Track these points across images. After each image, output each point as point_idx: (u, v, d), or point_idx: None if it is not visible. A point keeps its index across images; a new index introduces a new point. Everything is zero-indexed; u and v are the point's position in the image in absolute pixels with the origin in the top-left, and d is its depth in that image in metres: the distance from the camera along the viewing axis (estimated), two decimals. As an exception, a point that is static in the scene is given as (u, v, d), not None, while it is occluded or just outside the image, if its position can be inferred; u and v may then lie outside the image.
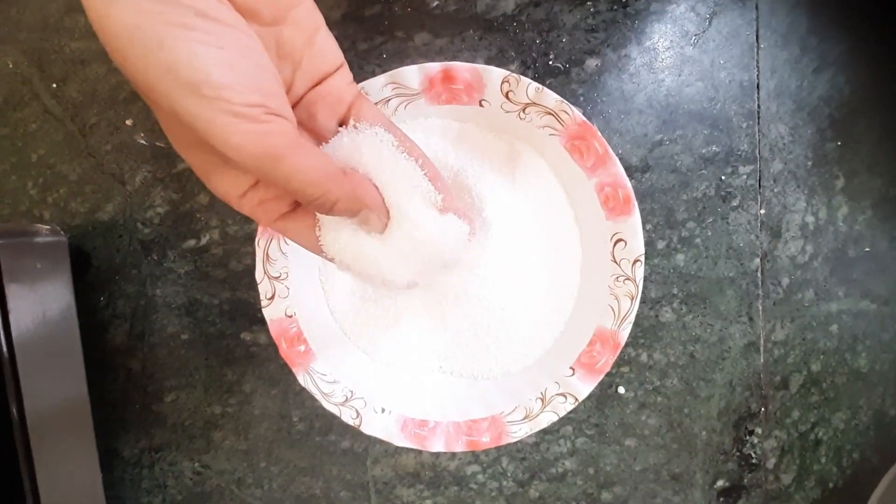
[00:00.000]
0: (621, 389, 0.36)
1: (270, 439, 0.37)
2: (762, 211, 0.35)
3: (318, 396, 0.31)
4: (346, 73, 0.24)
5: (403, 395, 0.33)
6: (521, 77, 0.29)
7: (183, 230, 0.36)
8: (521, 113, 0.30)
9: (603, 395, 0.36)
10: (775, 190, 0.35)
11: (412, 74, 0.30)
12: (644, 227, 0.32)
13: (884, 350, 0.37)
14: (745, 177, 0.35)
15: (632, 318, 0.30)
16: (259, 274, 0.31)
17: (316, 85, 0.24)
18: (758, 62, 0.35)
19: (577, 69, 0.34)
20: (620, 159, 0.30)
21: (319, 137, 0.24)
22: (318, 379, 0.32)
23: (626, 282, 0.30)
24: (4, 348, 0.28)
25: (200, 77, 0.18)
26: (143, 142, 0.35)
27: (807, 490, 0.37)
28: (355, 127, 0.24)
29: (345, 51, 0.24)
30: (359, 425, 0.31)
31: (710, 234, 0.35)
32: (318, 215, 0.24)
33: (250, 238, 0.35)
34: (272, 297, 0.31)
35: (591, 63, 0.34)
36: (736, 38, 0.35)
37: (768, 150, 0.35)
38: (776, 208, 0.35)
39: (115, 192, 0.36)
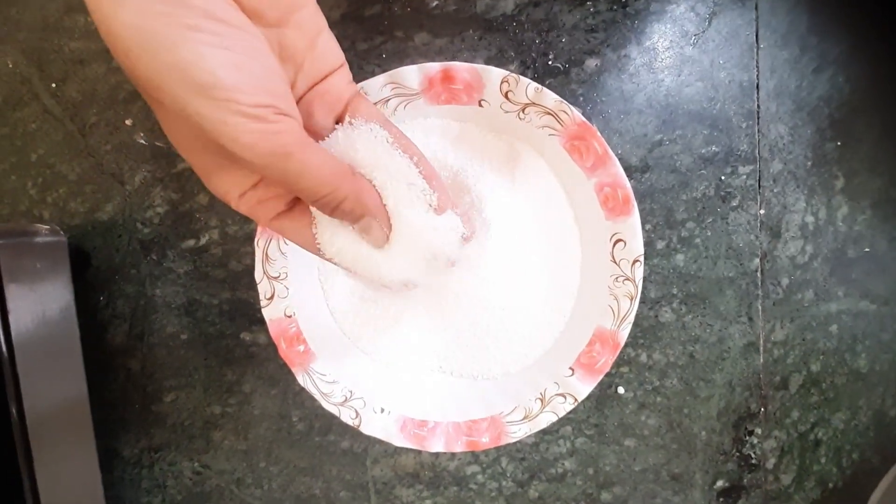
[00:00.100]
0: (621, 390, 0.36)
1: (270, 439, 0.37)
2: (762, 211, 0.35)
3: (317, 396, 0.31)
4: (345, 73, 0.25)
5: (403, 395, 0.33)
6: (521, 77, 0.29)
7: (182, 230, 0.36)
8: (521, 113, 0.30)
9: (602, 396, 0.36)
10: (775, 190, 0.35)
11: (412, 74, 0.30)
12: (644, 228, 0.32)
13: (883, 350, 0.37)
14: (744, 177, 0.35)
15: (631, 318, 0.30)
16: (258, 274, 0.31)
17: (315, 84, 0.24)
18: (757, 62, 0.35)
19: (577, 69, 0.34)
20: (620, 159, 0.30)
21: (316, 135, 0.24)
22: (318, 379, 0.32)
23: (626, 282, 0.30)
24: (4, 348, 0.28)
25: (210, 79, 0.18)
26: (142, 141, 0.35)
27: (806, 490, 0.37)
28: (350, 123, 0.24)
29: (344, 50, 0.24)
30: (358, 425, 0.31)
31: (709, 234, 0.35)
32: (315, 214, 0.24)
33: (250, 238, 0.35)
34: (271, 297, 0.31)
35: (591, 63, 0.34)
36: (735, 37, 0.34)
37: (768, 150, 0.35)
38: (776, 208, 0.35)
39: (115, 191, 0.36)
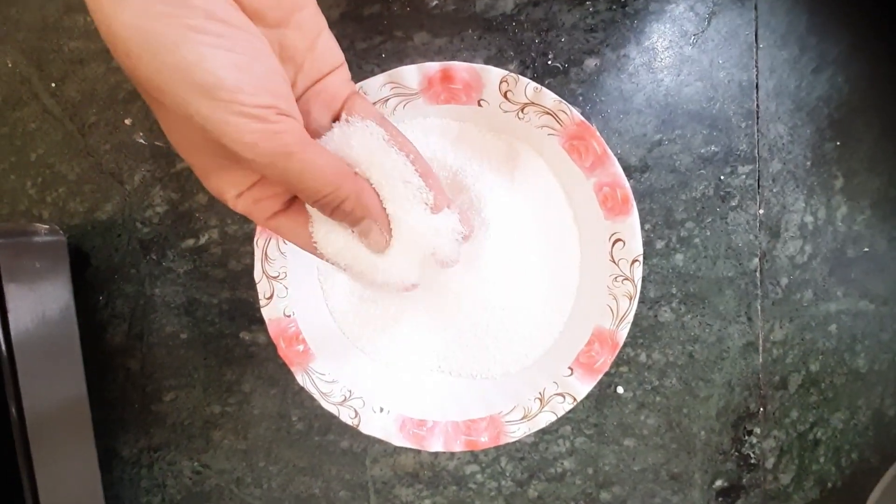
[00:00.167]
0: (620, 389, 0.36)
1: (269, 439, 0.37)
2: (761, 211, 0.35)
3: (316, 396, 0.31)
4: (344, 72, 0.25)
5: (402, 394, 0.33)
6: (520, 77, 0.29)
7: (182, 230, 0.36)
8: (520, 113, 0.30)
9: (602, 395, 0.36)
10: (774, 190, 0.35)
11: (411, 74, 0.30)
12: (643, 227, 0.32)
13: (882, 350, 0.37)
14: (743, 177, 0.35)
15: (630, 317, 0.30)
16: (258, 273, 0.31)
17: (314, 83, 0.24)
18: (757, 62, 0.35)
19: (576, 69, 0.34)
20: (619, 159, 0.30)
21: (314, 134, 0.24)
22: (317, 378, 0.32)
23: (625, 282, 0.30)
24: (3, 348, 0.28)
25: (212, 80, 0.18)
26: (142, 141, 0.35)
27: (805, 490, 0.37)
28: (347, 121, 0.24)
29: (344, 50, 0.24)
30: (357, 425, 0.31)
31: (708, 233, 0.35)
32: (312, 213, 0.24)
33: (249, 238, 0.35)
34: (271, 297, 0.31)
35: (590, 63, 0.34)
36: (735, 37, 0.34)
37: (767, 149, 0.35)
38: (775, 208, 0.35)
39: (114, 191, 0.36)
